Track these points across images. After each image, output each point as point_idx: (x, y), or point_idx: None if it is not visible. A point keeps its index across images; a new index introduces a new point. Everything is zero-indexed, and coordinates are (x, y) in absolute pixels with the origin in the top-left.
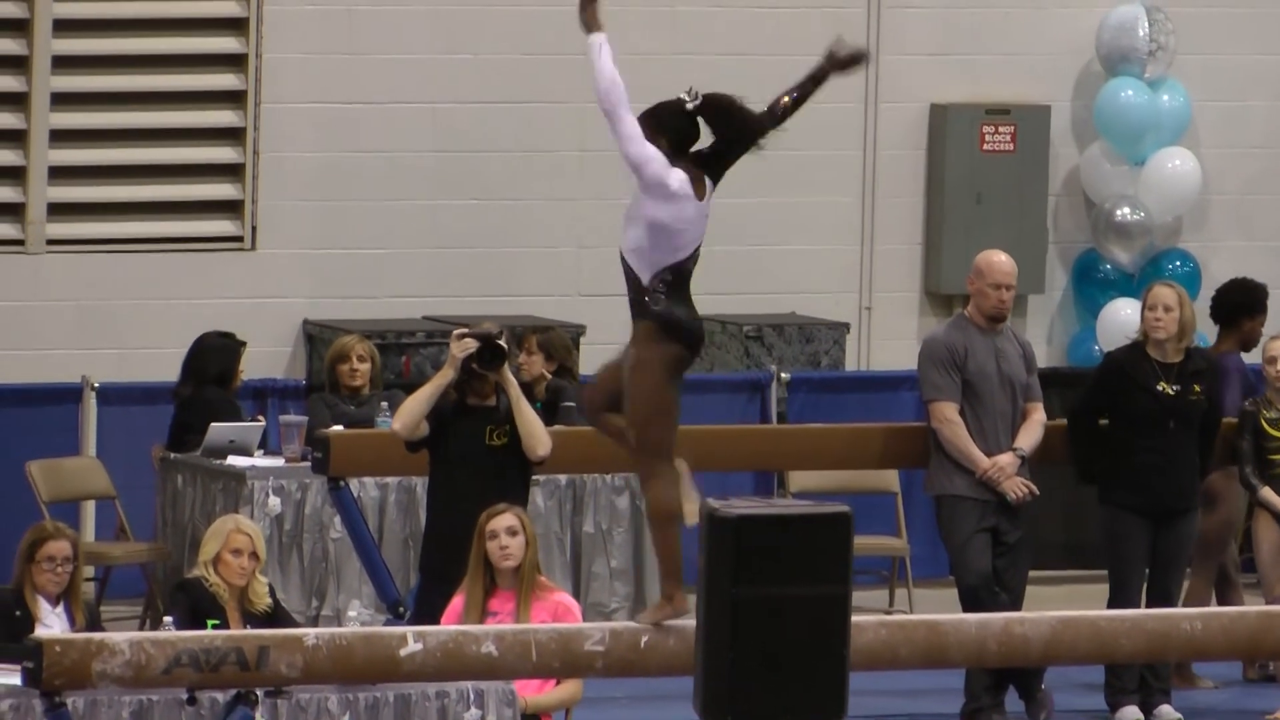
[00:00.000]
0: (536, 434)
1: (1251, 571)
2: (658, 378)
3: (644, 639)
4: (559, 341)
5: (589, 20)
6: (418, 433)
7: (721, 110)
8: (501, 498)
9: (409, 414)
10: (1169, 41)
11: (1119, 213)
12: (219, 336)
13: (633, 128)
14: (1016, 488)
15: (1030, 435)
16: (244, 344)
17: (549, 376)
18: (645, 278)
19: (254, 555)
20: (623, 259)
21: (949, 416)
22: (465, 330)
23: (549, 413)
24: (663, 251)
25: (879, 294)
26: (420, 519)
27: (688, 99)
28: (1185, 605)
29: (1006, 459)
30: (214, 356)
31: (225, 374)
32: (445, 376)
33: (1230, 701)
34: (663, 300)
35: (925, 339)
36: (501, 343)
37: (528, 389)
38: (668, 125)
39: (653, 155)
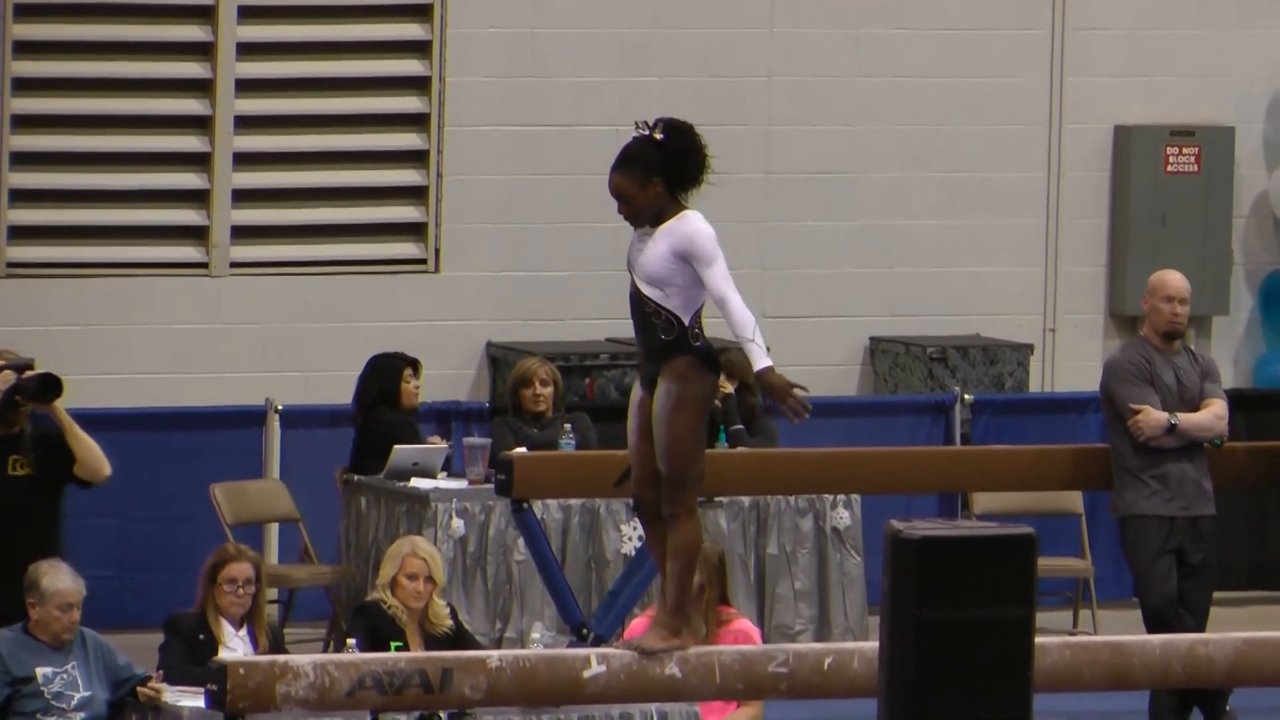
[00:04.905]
0: (98, 455)
1: None
2: (699, 414)
3: (827, 661)
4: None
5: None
6: None
7: (684, 133)
8: (28, 530)
9: None
10: None
11: None
12: (385, 357)
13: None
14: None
15: (1195, 415)
16: (411, 362)
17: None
18: (687, 319)
19: (430, 579)
20: (651, 305)
21: (1159, 420)
22: (1, 362)
23: (750, 431)
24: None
25: (1063, 316)
26: (604, 540)
27: (653, 131)
28: None
29: (1158, 414)
30: (374, 376)
31: (386, 392)
32: None
33: None
34: (700, 336)
35: (1106, 362)
36: (56, 375)
37: (716, 411)
38: (656, 166)
39: (724, 270)
